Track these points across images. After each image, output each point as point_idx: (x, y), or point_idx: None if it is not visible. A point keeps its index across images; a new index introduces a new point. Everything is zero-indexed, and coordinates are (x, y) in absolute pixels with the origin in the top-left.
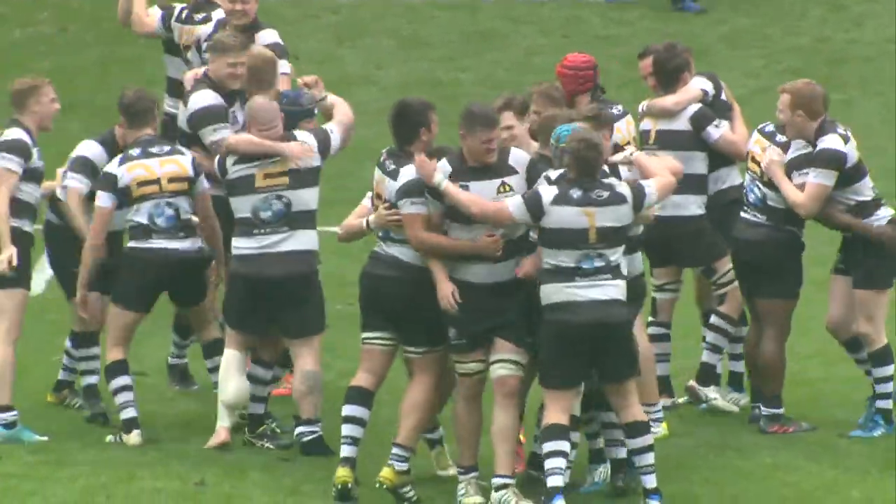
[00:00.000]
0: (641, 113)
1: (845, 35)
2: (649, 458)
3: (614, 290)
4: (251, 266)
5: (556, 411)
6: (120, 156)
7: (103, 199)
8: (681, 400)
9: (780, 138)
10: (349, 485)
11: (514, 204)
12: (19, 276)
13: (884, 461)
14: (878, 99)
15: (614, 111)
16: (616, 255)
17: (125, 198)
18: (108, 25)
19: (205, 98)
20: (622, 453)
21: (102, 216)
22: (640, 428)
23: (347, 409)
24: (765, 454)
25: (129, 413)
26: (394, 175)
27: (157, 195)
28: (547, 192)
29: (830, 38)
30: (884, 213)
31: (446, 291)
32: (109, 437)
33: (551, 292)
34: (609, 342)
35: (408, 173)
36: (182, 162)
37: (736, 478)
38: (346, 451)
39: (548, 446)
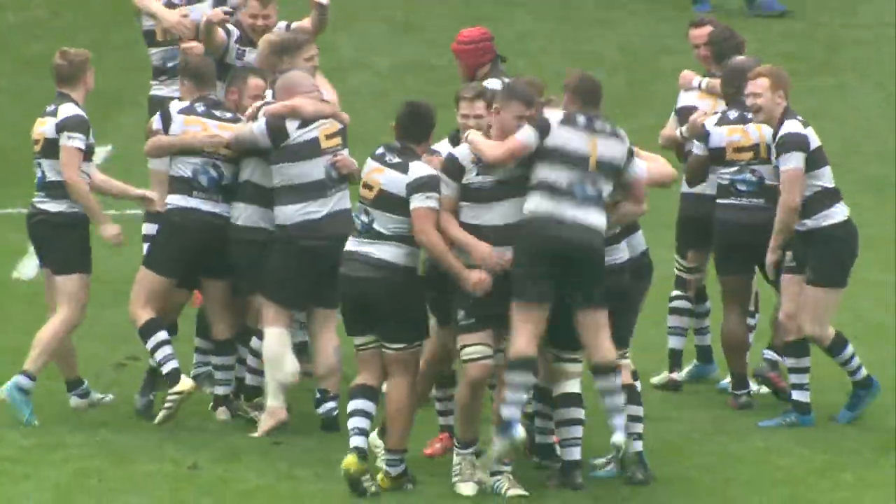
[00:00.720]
0: (692, 87)
1: (840, 19)
2: (618, 400)
3: (597, 219)
4: (322, 231)
5: (525, 336)
6: (186, 103)
7: (157, 123)
8: (683, 372)
9: (750, 116)
10: (351, 470)
11: (522, 135)
12: (80, 261)
13: (876, 444)
14: (874, 83)
15: (506, 80)
16: (606, 190)
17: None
18: (101, 10)
19: None
20: (639, 447)
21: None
22: (610, 369)
23: (354, 404)
24: (757, 438)
25: (171, 365)
26: (401, 168)
27: (206, 155)
28: (554, 115)
29: (825, 22)
30: (841, 209)
31: (476, 277)
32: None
33: (538, 205)
34: (584, 265)
35: (419, 169)
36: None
37: (729, 462)
38: (356, 441)
39: (511, 378)
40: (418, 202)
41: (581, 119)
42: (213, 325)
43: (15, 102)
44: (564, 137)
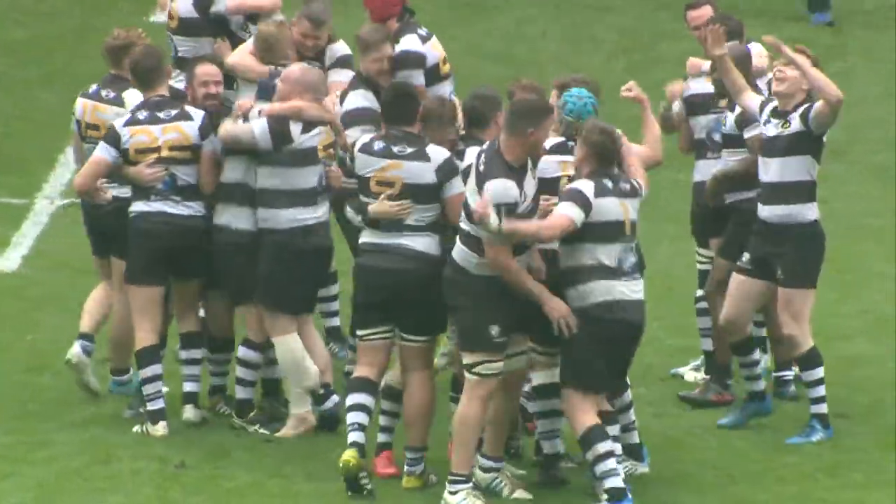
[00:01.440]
0: (702, 72)
1: (845, 3)
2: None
3: (643, 290)
4: (316, 235)
5: (589, 413)
6: (128, 114)
7: (103, 151)
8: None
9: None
10: (351, 464)
11: (570, 212)
12: None
13: (885, 442)
14: (881, 69)
15: (421, 32)
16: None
17: (124, 159)
18: None
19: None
20: (558, 446)
21: (97, 165)
22: (608, 419)
23: (354, 398)
24: (763, 435)
25: (157, 404)
26: (420, 156)
27: (155, 161)
28: (586, 186)
29: (830, 5)
30: (816, 208)
31: (565, 310)
32: (136, 428)
33: (600, 290)
34: (635, 343)
35: (438, 152)
36: (186, 129)
37: (733, 459)
38: (354, 436)
39: (597, 450)
40: (457, 189)
41: (609, 184)
42: (180, 320)
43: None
44: (603, 209)
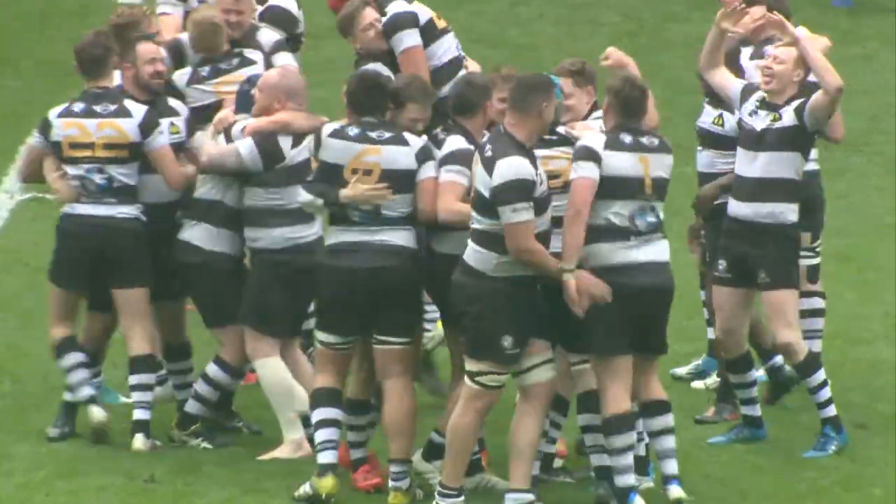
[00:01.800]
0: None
1: None
2: (670, 441)
3: (665, 250)
4: (313, 255)
5: (620, 392)
6: (65, 104)
7: (35, 138)
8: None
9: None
10: (333, 495)
11: (581, 173)
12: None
13: None
14: None
15: None
16: (662, 210)
17: (56, 152)
18: None
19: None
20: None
21: (29, 152)
22: (663, 407)
23: (321, 413)
24: (776, 448)
25: (84, 391)
26: (399, 141)
27: (89, 160)
28: (595, 140)
29: None
30: (797, 208)
31: (592, 282)
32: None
33: (606, 253)
34: (660, 308)
35: (416, 138)
36: (123, 126)
37: (744, 473)
38: (327, 456)
39: (614, 441)
40: (431, 172)
41: (626, 138)
42: (128, 340)
43: None
44: (615, 164)
